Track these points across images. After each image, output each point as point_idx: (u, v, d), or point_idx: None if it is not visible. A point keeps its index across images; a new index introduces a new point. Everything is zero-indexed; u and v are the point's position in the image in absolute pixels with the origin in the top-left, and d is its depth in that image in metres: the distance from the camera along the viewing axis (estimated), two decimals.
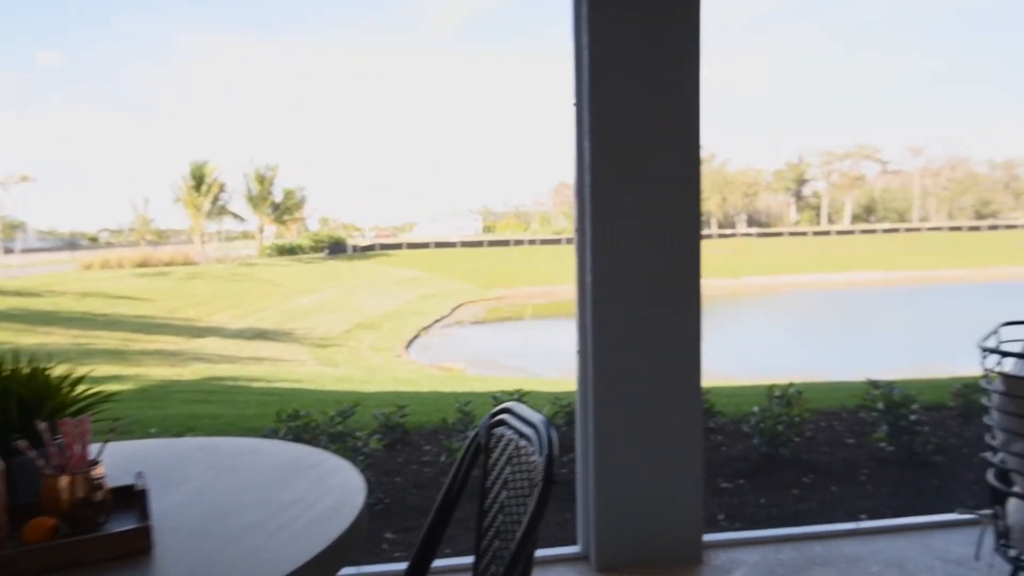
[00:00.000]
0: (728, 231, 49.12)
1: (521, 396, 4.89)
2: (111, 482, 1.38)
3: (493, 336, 21.29)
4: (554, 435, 1.45)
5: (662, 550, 3.07)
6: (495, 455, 1.68)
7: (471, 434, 1.76)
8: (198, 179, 32.39)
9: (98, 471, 1.34)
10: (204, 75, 49.16)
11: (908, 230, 48.43)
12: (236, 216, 34.93)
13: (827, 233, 47.75)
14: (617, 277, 2.95)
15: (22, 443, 1.33)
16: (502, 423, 1.68)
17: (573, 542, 3.19)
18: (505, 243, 41.81)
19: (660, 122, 2.92)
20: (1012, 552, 2.30)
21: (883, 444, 4.61)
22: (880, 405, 4.60)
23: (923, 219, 51.96)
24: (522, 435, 1.56)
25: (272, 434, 4.17)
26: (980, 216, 51.11)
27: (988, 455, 2.40)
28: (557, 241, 39.83)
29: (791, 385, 5.00)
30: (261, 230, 35.34)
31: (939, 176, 53.55)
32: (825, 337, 19.53)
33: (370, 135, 54.96)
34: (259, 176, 34.84)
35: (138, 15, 49.04)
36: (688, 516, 3.07)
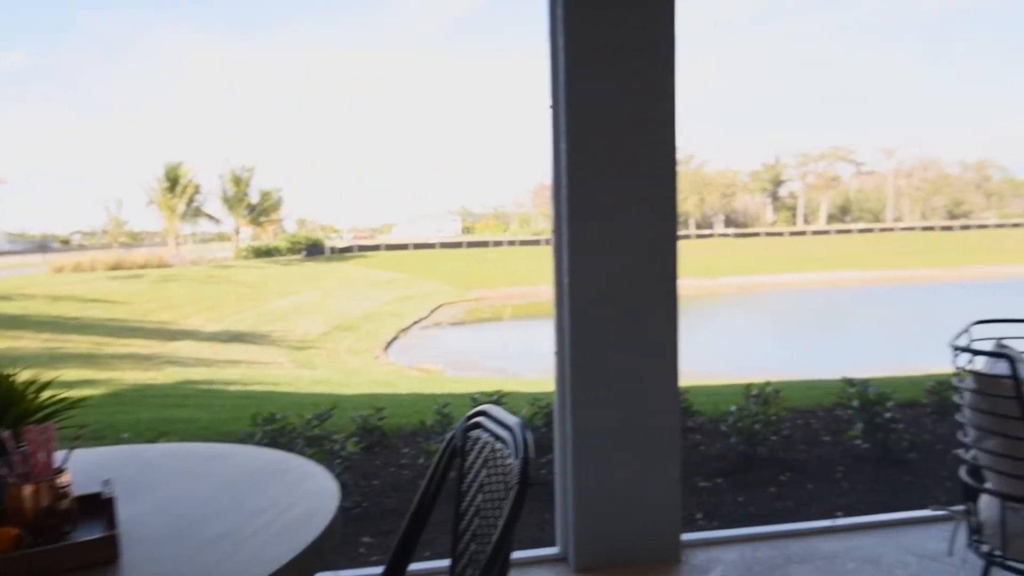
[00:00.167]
0: (706, 231, 49.50)
1: (500, 397, 4.88)
2: (78, 490, 1.35)
3: (472, 337, 21.26)
4: (530, 438, 1.44)
5: (641, 550, 3.07)
6: (471, 458, 1.66)
7: (447, 437, 1.74)
8: (172, 180, 32.01)
9: (63, 479, 1.31)
10: (178, 75, 48.62)
11: (882, 230, 49.12)
12: (211, 218, 34.60)
13: (803, 233, 48.28)
14: (594, 278, 2.95)
15: None
16: (478, 426, 1.67)
17: (552, 543, 3.18)
18: (484, 244, 41.77)
19: (636, 123, 2.92)
20: (985, 548, 2.33)
21: (858, 441, 4.66)
22: (855, 403, 4.65)
23: (897, 219, 52.74)
24: (498, 438, 1.55)
25: (248, 438, 4.12)
26: (952, 216, 51.99)
27: (961, 452, 2.44)
28: (536, 242, 39.89)
29: (768, 384, 5.04)
30: (237, 232, 34.99)
31: (912, 177, 54.41)
32: (802, 336, 19.75)
33: (348, 136, 54.68)
34: (235, 177, 34.51)
35: (108, 14, 48.36)
36: (666, 516, 3.07)
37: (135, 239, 36.27)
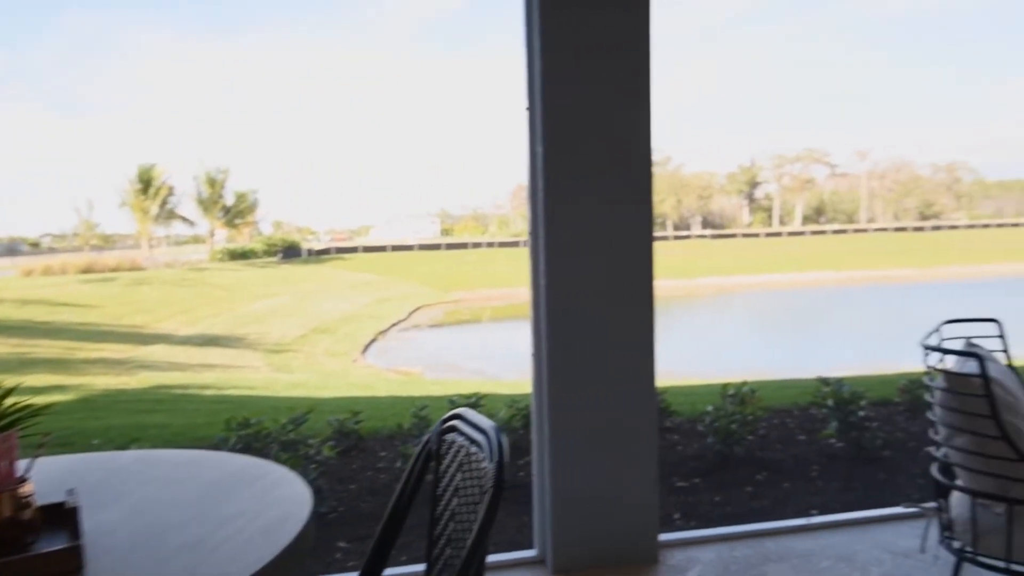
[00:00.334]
0: (683, 233, 49.85)
1: (479, 399, 4.86)
2: (41, 499, 1.32)
3: (451, 339, 21.22)
4: (504, 441, 1.43)
5: (619, 551, 3.07)
6: (446, 462, 1.65)
7: (422, 441, 1.73)
8: (145, 182, 31.55)
9: (26, 488, 1.28)
10: (151, 76, 47.94)
11: (856, 231, 49.81)
12: (185, 220, 34.14)
13: (779, 234, 48.80)
14: (571, 280, 2.95)
15: None
16: (453, 429, 1.66)
17: (531, 546, 3.17)
18: (463, 246, 41.71)
19: (613, 125, 2.93)
20: (956, 544, 2.36)
21: (833, 440, 4.71)
22: (830, 402, 4.70)
23: (870, 220, 53.51)
24: (473, 441, 1.54)
25: (222, 443, 4.07)
26: (924, 217, 52.88)
27: (932, 450, 2.47)
28: (515, 244, 39.87)
29: (745, 384, 5.08)
30: (212, 234, 34.57)
31: (885, 179, 55.24)
32: (778, 336, 19.97)
33: (325, 138, 54.35)
34: (210, 179, 34.10)
35: (82, 14, 47.62)
36: (644, 516, 3.08)
37: (107, 242, 35.70)
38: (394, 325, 21.53)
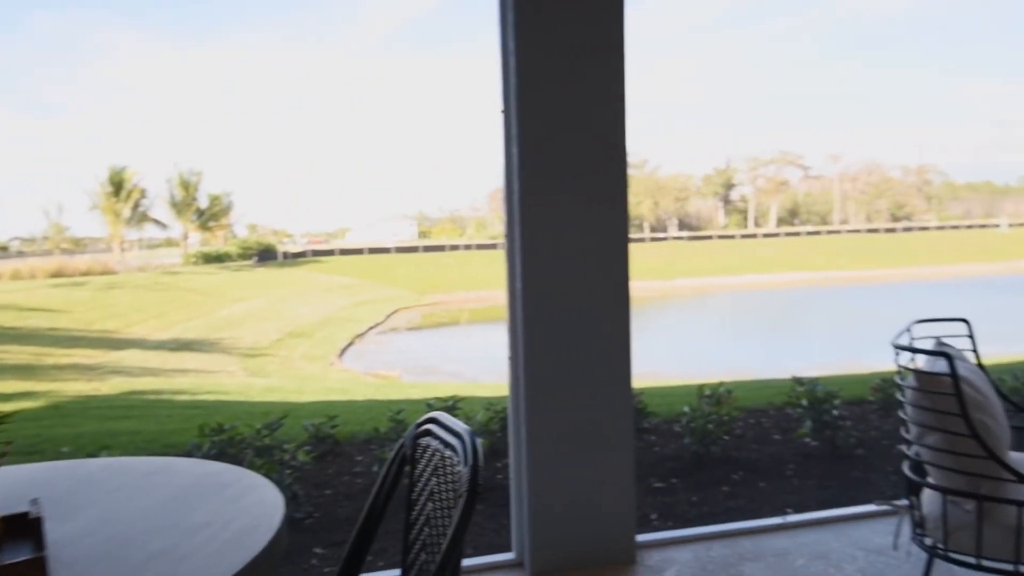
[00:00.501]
0: (660, 235, 50.09)
1: (456, 402, 4.84)
2: (3, 510, 1.28)
3: (429, 342, 21.14)
4: (479, 445, 1.42)
5: (596, 552, 3.07)
6: (421, 466, 1.63)
7: (397, 445, 1.71)
8: (117, 185, 31.05)
9: None
10: (123, 78, 47.24)
11: (829, 232, 50.46)
12: (158, 223, 33.64)
13: (754, 236, 49.27)
14: (547, 282, 2.94)
15: None
16: (428, 433, 1.64)
17: (509, 548, 3.16)
18: (441, 248, 41.57)
19: (588, 127, 2.93)
20: (928, 541, 2.39)
21: (808, 439, 4.76)
22: (804, 402, 4.74)
23: (843, 222, 54.26)
24: (448, 445, 1.52)
25: (195, 449, 4.00)
26: (895, 218, 53.74)
27: (903, 448, 2.49)
28: (493, 246, 39.79)
29: (721, 384, 5.11)
30: (186, 237, 34.12)
31: (857, 181, 56.05)
32: (753, 336, 20.16)
33: (300, 140, 53.90)
34: (183, 181, 33.65)
35: (52, 15, 46.78)
36: (621, 518, 3.08)
37: (78, 245, 35.06)
38: (371, 328, 21.40)
